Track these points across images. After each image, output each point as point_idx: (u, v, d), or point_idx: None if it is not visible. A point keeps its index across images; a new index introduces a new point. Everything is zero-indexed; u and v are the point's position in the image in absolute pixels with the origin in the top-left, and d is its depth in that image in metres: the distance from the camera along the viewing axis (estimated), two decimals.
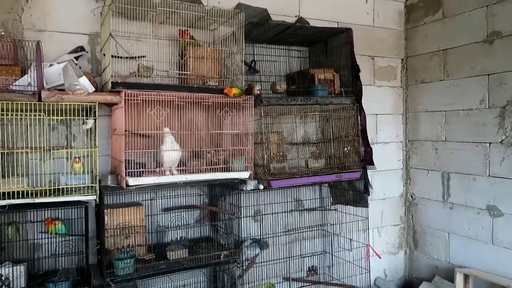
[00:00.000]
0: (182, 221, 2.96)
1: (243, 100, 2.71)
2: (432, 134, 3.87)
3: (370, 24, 3.94)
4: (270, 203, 3.29)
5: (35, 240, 2.55)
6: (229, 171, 2.69)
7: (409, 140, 4.13)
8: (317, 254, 3.55)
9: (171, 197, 2.94)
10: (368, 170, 3.21)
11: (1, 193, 2.13)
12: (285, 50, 3.42)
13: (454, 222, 3.66)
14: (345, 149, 3.17)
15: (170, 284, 2.93)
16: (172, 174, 2.51)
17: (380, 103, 4.02)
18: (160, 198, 2.91)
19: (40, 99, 2.21)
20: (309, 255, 3.45)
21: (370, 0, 3.93)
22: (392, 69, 4.10)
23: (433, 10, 3.83)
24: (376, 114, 4.00)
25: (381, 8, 3.99)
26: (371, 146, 3.28)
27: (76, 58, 2.64)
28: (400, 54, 4.13)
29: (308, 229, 3.49)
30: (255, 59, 3.21)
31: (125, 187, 2.35)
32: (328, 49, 3.38)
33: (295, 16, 3.49)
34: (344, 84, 3.20)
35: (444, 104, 3.73)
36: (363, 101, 3.21)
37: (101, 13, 2.73)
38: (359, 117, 3.14)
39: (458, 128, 3.61)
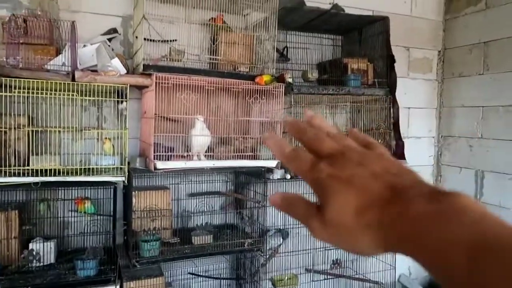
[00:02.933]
0: (208, 207, 2.96)
1: (273, 88, 2.66)
2: (467, 130, 3.71)
3: (407, 13, 3.79)
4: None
5: (65, 218, 2.61)
6: (256, 159, 2.66)
7: (442, 136, 3.98)
8: None
9: (197, 182, 2.94)
10: None
11: (34, 170, 2.18)
12: (318, 38, 3.33)
13: None
14: None
15: (192, 268, 2.94)
16: (200, 160, 2.51)
17: (414, 96, 3.88)
18: (186, 182, 2.92)
19: (73, 79, 2.23)
20: (333, 248, 3.39)
21: None
22: (428, 61, 3.94)
23: (475, 0, 3.64)
24: (409, 108, 3.87)
25: None
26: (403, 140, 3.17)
27: (109, 40, 2.65)
28: (437, 46, 3.96)
29: None
30: (287, 46, 3.15)
31: (153, 170, 2.36)
32: (362, 38, 3.27)
33: (329, 3, 3.38)
34: (378, 75, 3.10)
35: (482, 99, 3.56)
36: (396, 93, 3.10)
37: None
38: (392, 109, 3.04)
39: (497, 125, 3.44)
